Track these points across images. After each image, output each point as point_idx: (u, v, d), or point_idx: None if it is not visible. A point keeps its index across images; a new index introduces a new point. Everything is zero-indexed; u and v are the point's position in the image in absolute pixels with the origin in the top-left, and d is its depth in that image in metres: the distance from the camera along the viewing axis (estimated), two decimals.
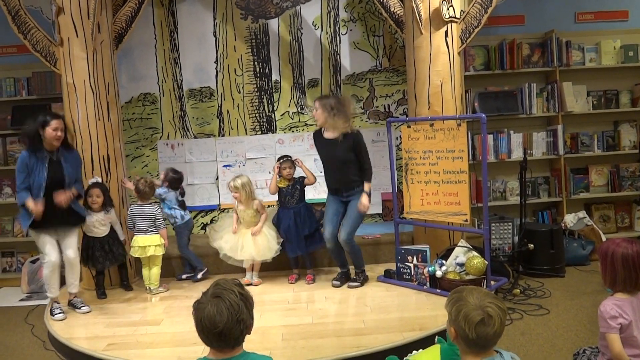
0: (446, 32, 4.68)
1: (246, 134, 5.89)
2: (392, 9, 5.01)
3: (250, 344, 1.99)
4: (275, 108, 5.89)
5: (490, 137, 5.66)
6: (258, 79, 5.88)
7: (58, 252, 4.12)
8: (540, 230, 5.00)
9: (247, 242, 4.65)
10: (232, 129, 5.89)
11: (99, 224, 4.45)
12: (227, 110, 5.89)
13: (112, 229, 4.57)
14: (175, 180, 5.00)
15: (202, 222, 5.89)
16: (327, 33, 5.84)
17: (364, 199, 4.35)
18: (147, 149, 5.87)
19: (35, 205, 3.88)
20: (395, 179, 4.90)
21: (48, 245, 4.06)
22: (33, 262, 5.37)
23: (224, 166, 5.85)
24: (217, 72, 5.85)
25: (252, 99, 5.88)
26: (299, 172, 4.79)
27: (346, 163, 4.38)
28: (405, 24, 4.96)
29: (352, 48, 5.85)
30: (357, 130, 4.48)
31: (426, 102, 4.77)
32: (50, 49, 4.72)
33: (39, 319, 4.43)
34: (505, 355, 1.93)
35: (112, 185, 4.76)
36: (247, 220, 4.71)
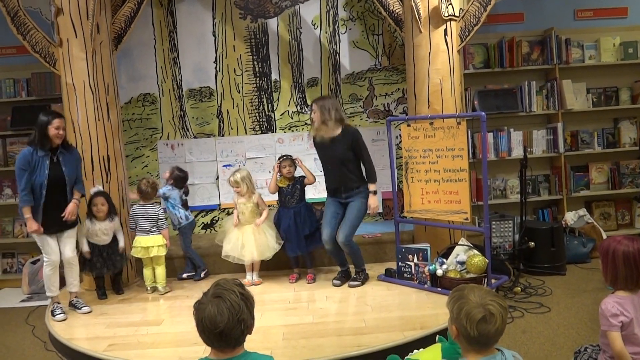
0: (445, 30, 4.67)
1: (246, 133, 5.89)
2: (391, 8, 5.01)
3: (251, 343, 1.99)
4: (274, 107, 5.88)
5: (490, 135, 5.65)
6: (257, 79, 5.87)
7: (58, 252, 4.14)
8: (541, 228, 5.00)
9: (248, 240, 4.65)
10: (232, 128, 5.89)
11: (102, 232, 4.46)
12: (227, 110, 5.88)
13: (114, 237, 4.57)
14: (180, 179, 5.02)
15: (203, 222, 5.89)
16: (326, 32, 5.84)
17: (372, 200, 4.36)
18: (147, 149, 5.86)
19: (32, 227, 3.96)
20: (396, 178, 4.89)
21: (48, 245, 4.08)
22: (34, 263, 5.37)
23: (224, 166, 5.85)
24: (216, 71, 5.85)
25: (251, 99, 5.88)
26: (299, 172, 4.79)
27: (345, 162, 4.37)
28: (404, 22, 4.95)
29: (352, 47, 5.85)
30: (356, 129, 4.47)
31: (426, 101, 4.77)
32: (49, 50, 4.72)
33: (39, 319, 4.44)
34: (507, 353, 1.93)
35: (112, 186, 4.76)
36: (247, 214, 4.70)
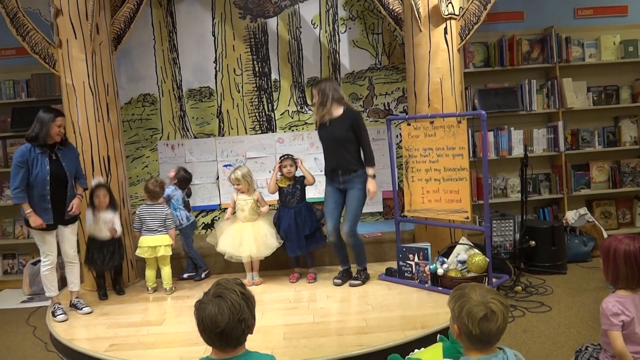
0: (445, 29, 4.67)
1: (246, 133, 5.89)
2: (391, 7, 5.01)
3: (252, 343, 1.99)
4: (274, 107, 5.88)
5: (490, 134, 5.65)
6: (257, 78, 5.87)
7: (56, 251, 4.16)
8: (542, 227, 4.99)
9: (247, 238, 4.63)
10: (232, 128, 5.89)
11: (103, 223, 4.46)
12: (227, 110, 5.88)
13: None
14: (184, 180, 5.03)
15: (203, 222, 5.89)
16: (326, 31, 5.83)
17: (370, 184, 4.33)
18: (147, 149, 5.86)
19: (37, 221, 3.94)
20: (396, 177, 4.89)
21: (48, 245, 4.08)
22: (34, 264, 5.36)
23: (225, 166, 5.85)
24: (216, 71, 5.85)
25: (251, 99, 5.88)
26: (299, 172, 4.78)
27: (344, 142, 4.36)
28: (404, 21, 4.95)
29: (351, 46, 5.84)
30: (358, 111, 4.46)
31: (426, 100, 4.77)
32: (49, 51, 4.72)
33: (40, 320, 4.44)
34: (509, 352, 1.93)
35: (113, 187, 4.75)
36: (247, 211, 4.68)
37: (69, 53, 4.63)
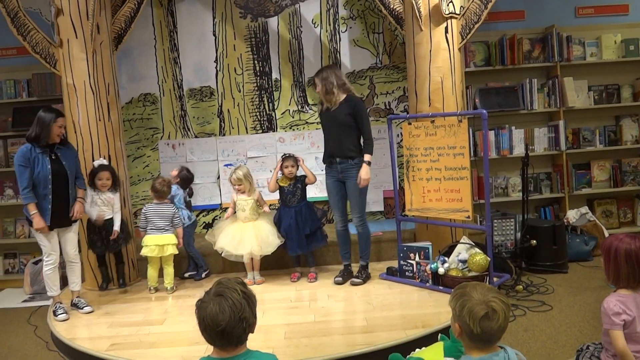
0: (446, 28, 4.66)
1: (247, 132, 5.89)
2: (392, 6, 5.00)
3: (253, 342, 1.99)
4: (275, 107, 5.88)
5: (491, 133, 5.65)
6: (258, 78, 5.87)
7: (58, 250, 4.16)
8: (543, 226, 4.99)
9: (247, 236, 4.62)
10: (233, 128, 5.89)
11: (102, 202, 4.49)
12: (228, 110, 5.88)
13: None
14: (187, 180, 5.04)
15: (204, 222, 5.89)
16: (326, 31, 5.83)
17: (363, 171, 4.31)
18: (148, 149, 5.86)
19: (40, 224, 3.95)
20: (397, 177, 4.89)
21: (50, 244, 4.08)
22: (35, 263, 5.37)
23: (225, 165, 5.85)
24: (217, 71, 5.85)
25: (252, 98, 5.88)
26: (300, 172, 4.77)
27: (343, 127, 4.35)
28: (404, 20, 4.95)
29: (352, 45, 5.84)
30: (361, 98, 4.46)
31: (427, 99, 4.76)
32: (49, 51, 4.72)
33: (42, 319, 4.43)
34: (510, 351, 1.92)
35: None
36: (247, 211, 4.68)
37: (70, 53, 4.63)
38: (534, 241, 4.83)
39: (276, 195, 4.85)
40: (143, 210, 4.68)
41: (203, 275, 4.95)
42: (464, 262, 4.21)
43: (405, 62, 5.33)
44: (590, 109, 5.79)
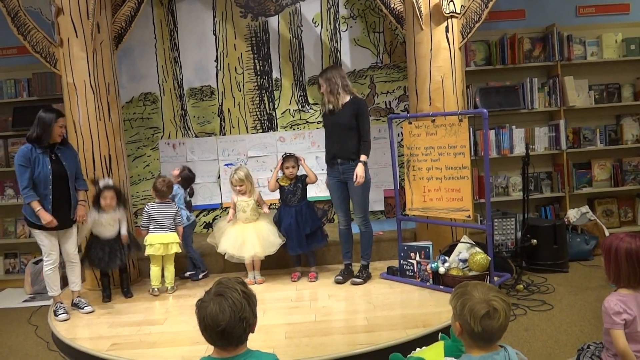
0: (447, 27, 4.66)
1: (247, 132, 5.88)
2: (392, 5, 5.00)
3: (253, 342, 1.99)
4: (276, 106, 5.88)
5: (492, 133, 5.64)
6: (258, 77, 5.87)
7: (58, 250, 4.16)
8: (543, 226, 4.98)
9: (249, 238, 4.62)
10: (233, 127, 5.89)
11: (107, 223, 4.43)
12: (228, 109, 5.88)
13: (119, 231, 4.52)
14: (188, 179, 5.04)
15: (205, 221, 5.89)
16: (327, 30, 5.83)
17: (358, 169, 4.30)
18: (148, 148, 5.86)
19: (47, 218, 3.93)
20: (397, 176, 4.89)
21: (50, 245, 4.08)
22: (36, 263, 5.37)
23: (226, 165, 5.85)
24: (217, 70, 5.85)
25: (252, 97, 5.87)
26: (301, 171, 4.77)
27: (346, 129, 4.36)
28: (405, 19, 4.94)
29: (353, 45, 5.84)
30: (364, 100, 4.45)
31: (427, 98, 4.76)
32: (50, 50, 4.72)
33: (42, 319, 4.43)
34: (511, 351, 1.92)
35: None
36: (248, 212, 4.67)
37: (70, 52, 4.63)
38: (535, 240, 4.83)
39: (276, 195, 4.85)
40: (146, 210, 4.65)
41: (200, 277, 4.93)
42: (464, 261, 4.21)
43: (405, 61, 5.32)
44: (591, 108, 5.78)
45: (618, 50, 5.75)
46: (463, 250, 4.27)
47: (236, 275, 4.43)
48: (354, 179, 4.31)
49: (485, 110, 4.08)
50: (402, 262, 4.49)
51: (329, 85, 4.39)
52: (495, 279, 4.20)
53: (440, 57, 4.69)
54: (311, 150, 5.78)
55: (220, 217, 5.79)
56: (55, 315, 4.12)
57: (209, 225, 5.85)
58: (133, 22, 4.96)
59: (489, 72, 5.74)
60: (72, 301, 4.31)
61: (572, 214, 5.43)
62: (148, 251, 4.56)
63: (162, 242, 4.54)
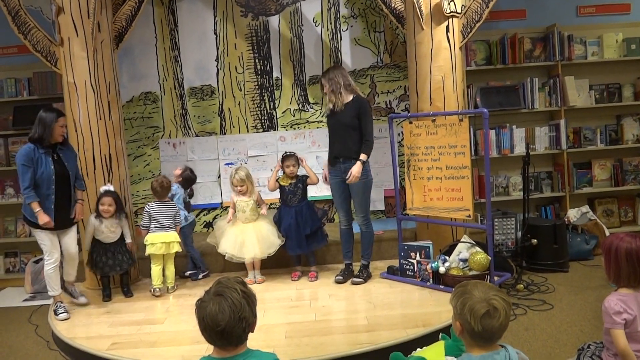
0: (447, 27, 4.66)
1: (248, 131, 5.88)
2: (393, 5, 4.99)
3: (253, 341, 1.99)
4: (276, 105, 5.88)
5: (492, 132, 5.64)
6: (259, 77, 5.87)
7: (59, 249, 4.17)
8: (544, 225, 4.98)
9: (249, 239, 4.62)
10: (234, 126, 5.89)
11: (107, 230, 4.43)
12: (229, 108, 5.88)
13: (122, 237, 4.54)
14: (189, 180, 5.04)
15: (205, 221, 5.89)
16: (327, 30, 5.83)
17: (355, 168, 4.29)
18: (148, 148, 5.86)
19: (44, 219, 3.95)
20: (398, 175, 4.88)
21: (50, 244, 4.09)
22: (36, 262, 5.37)
23: (226, 164, 5.85)
24: (217, 70, 5.85)
25: (253, 97, 5.87)
26: (301, 171, 4.77)
27: (348, 129, 4.36)
28: (406, 19, 4.94)
29: (353, 44, 5.83)
30: (366, 99, 4.45)
31: (428, 98, 4.76)
32: (50, 49, 4.72)
33: (42, 319, 4.43)
34: (511, 350, 1.92)
35: (114, 185, 4.73)
36: (248, 212, 4.67)
37: (71, 51, 4.63)
38: (535, 240, 4.83)
39: (277, 194, 4.84)
40: (147, 209, 4.63)
41: (200, 277, 4.93)
42: (464, 261, 4.21)
43: (406, 61, 5.32)
44: (592, 108, 5.78)
45: (619, 50, 5.75)
46: (463, 249, 4.27)
47: (236, 274, 4.45)
48: (348, 177, 4.30)
49: (485, 110, 4.08)
50: (403, 261, 4.49)
51: (331, 85, 4.39)
52: (496, 278, 4.20)
53: (441, 56, 4.69)
54: (312, 150, 5.78)
55: (220, 216, 5.78)
56: (56, 314, 4.12)
57: (209, 224, 5.85)
58: (134, 22, 4.96)
59: (489, 71, 5.74)
60: (66, 288, 4.35)
61: (573, 214, 5.43)
62: (149, 250, 4.55)
63: (163, 241, 4.53)
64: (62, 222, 4.12)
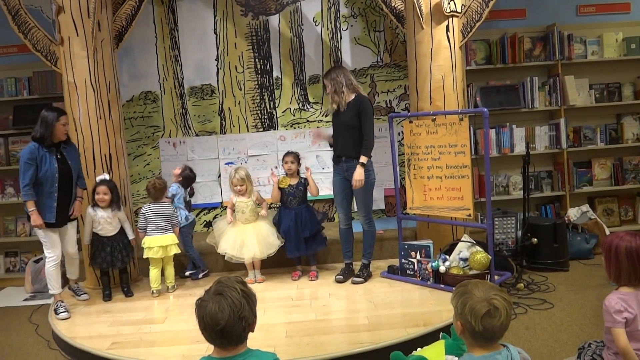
0: (447, 26, 4.66)
1: (248, 131, 5.88)
2: (393, 4, 4.99)
3: (253, 341, 1.99)
4: (276, 105, 5.88)
5: (492, 132, 5.64)
6: (259, 76, 5.86)
7: (60, 247, 4.20)
8: (544, 225, 4.99)
9: (249, 240, 4.62)
10: (234, 126, 5.88)
11: (104, 221, 4.40)
12: (229, 108, 5.88)
13: (121, 231, 4.52)
14: (189, 179, 5.04)
15: (205, 220, 5.89)
16: (327, 29, 5.82)
17: (356, 173, 4.29)
18: (148, 147, 5.86)
19: (37, 221, 3.99)
20: (398, 175, 4.88)
21: (52, 242, 4.12)
22: (36, 261, 5.38)
23: (226, 164, 5.85)
24: (217, 69, 5.84)
25: (253, 96, 5.87)
26: (303, 172, 4.77)
27: (349, 128, 4.36)
28: (406, 18, 4.94)
29: (353, 44, 5.83)
30: (367, 98, 4.45)
31: (428, 97, 4.76)
32: (50, 48, 4.72)
33: (43, 318, 4.44)
34: (512, 349, 1.92)
35: None
36: (247, 213, 4.67)
37: (71, 50, 4.62)
38: (535, 239, 4.83)
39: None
40: (142, 211, 4.61)
41: (200, 276, 4.93)
42: (465, 260, 4.21)
43: (406, 60, 5.32)
44: (591, 107, 5.78)
45: (618, 50, 5.75)
46: (464, 249, 4.27)
47: (237, 274, 4.46)
48: (353, 183, 4.32)
49: (485, 109, 4.08)
50: (403, 260, 4.49)
51: (334, 85, 4.40)
52: (496, 277, 4.20)
53: (441, 56, 4.69)
54: (312, 149, 5.78)
55: (220, 215, 5.79)
56: (56, 313, 4.12)
57: (209, 224, 5.85)
58: (134, 21, 4.96)
59: (489, 71, 5.74)
60: (69, 286, 4.39)
61: (573, 213, 5.43)
62: (147, 254, 4.52)
63: (160, 244, 4.49)
64: (63, 219, 4.17)
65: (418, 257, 4.38)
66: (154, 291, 4.53)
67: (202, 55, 5.82)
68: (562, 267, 4.93)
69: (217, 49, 5.82)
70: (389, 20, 5.64)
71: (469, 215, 4.28)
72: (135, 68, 5.80)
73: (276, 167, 5.63)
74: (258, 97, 5.87)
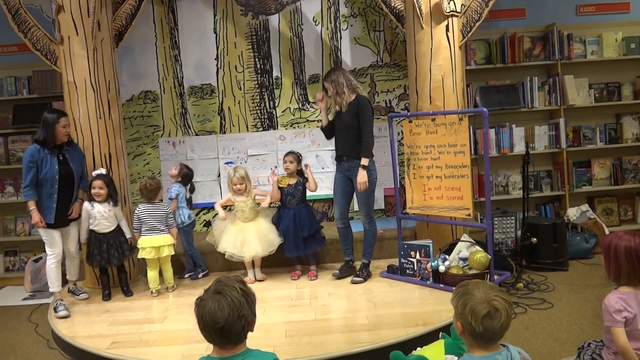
0: (447, 26, 4.66)
1: (247, 130, 5.88)
2: (393, 4, 4.99)
3: (253, 340, 1.99)
4: (276, 104, 5.88)
5: (492, 131, 5.64)
6: (259, 76, 5.86)
7: (61, 245, 4.22)
8: (543, 224, 4.99)
9: (249, 238, 4.62)
10: (234, 125, 5.88)
11: (101, 216, 4.38)
12: (228, 107, 5.88)
13: (117, 228, 4.51)
14: (187, 177, 5.04)
15: (205, 220, 5.89)
16: (327, 29, 5.82)
17: (359, 175, 4.30)
18: (148, 146, 5.86)
19: (36, 218, 4.04)
20: (398, 175, 4.88)
21: (53, 240, 4.15)
22: (36, 260, 5.38)
23: (226, 163, 5.84)
24: (217, 69, 5.84)
25: (253, 96, 5.87)
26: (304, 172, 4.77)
27: (349, 129, 4.38)
28: (406, 18, 4.94)
29: (353, 43, 5.83)
30: (366, 98, 4.45)
31: (427, 97, 4.76)
32: (50, 48, 4.72)
33: (42, 317, 4.44)
34: (512, 349, 1.92)
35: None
36: (247, 212, 4.68)
37: (71, 50, 4.62)
38: (535, 239, 4.83)
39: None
40: (136, 212, 4.59)
41: (200, 276, 4.93)
42: (464, 260, 4.21)
43: (406, 60, 5.32)
44: (591, 107, 5.79)
45: (618, 49, 5.75)
46: (463, 248, 4.27)
47: (236, 273, 4.46)
48: (357, 187, 4.33)
49: (485, 109, 4.08)
50: (403, 260, 4.49)
51: (335, 86, 4.41)
52: (496, 277, 4.20)
53: (441, 55, 4.69)
54: (311, 149, 5.78)
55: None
56: (55, 311, 4.13)
57: (209, 223, 5.85)
58: (134, 20, 4.95)
59: (489, 70, 5.74)
60: (68, 288, 4.41)
61: (572, 213, 5.43)
62: (140, 254, 4.51)
63: (153, 245, 4.47)
64: (63, 220, 4.20)
65: (418, 256, 4.39)
66: (153, 291, 4.53)
67: (202, 54, 5.82)
68: (562, 266, 4.93)
69: (217, 48, 5.82)
70: (389, 20, 5.64)
71: (469, 215, 4.28)
72: (135, 67, 5.80)
73: (276, 167, 5.64)
74: (258, 97, 5.87)
